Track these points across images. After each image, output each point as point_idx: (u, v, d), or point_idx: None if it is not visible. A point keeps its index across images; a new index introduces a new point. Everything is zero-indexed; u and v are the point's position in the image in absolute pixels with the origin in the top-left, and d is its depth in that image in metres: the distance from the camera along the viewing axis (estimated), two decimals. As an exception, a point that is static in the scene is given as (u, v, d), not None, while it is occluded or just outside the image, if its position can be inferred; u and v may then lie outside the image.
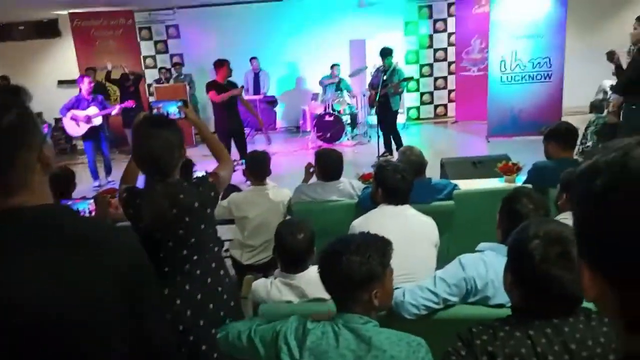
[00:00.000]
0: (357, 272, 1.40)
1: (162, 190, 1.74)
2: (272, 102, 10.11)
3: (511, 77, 7.90)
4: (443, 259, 2.32)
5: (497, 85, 7.96)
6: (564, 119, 7.02)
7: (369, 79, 9.79)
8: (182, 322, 1.77)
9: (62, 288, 0.92)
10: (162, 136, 1.74)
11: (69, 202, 2.90)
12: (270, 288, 2.08)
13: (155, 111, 2.29)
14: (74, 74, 9.30)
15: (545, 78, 7.84)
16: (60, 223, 0.98)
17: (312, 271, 2.09)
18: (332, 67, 9.02)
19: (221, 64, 6.19)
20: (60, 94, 9.97)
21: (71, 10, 9.33)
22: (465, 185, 3.44)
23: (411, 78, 7.59)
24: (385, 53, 7.10)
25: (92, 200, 2.88)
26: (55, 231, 0.96)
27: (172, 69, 10.02)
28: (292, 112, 10.49)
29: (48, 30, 10.51)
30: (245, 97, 9.48)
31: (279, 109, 10.41)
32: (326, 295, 2.03)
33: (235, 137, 6.27)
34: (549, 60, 7.77)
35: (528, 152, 4.86)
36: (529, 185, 3.02)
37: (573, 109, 8.55)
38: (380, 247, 1.47)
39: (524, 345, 1.14)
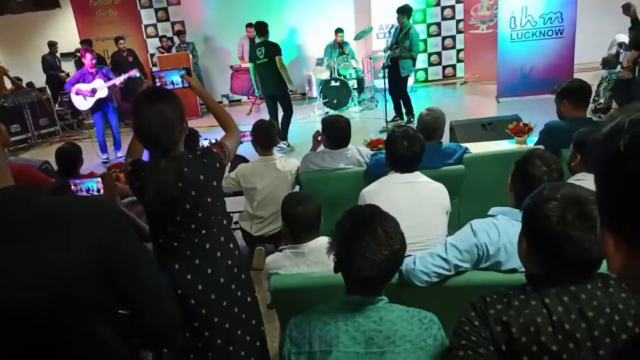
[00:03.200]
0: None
1: (166, 165, 1.69)
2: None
3: (521, 34, 7.70)
4: (454, 225, 2.30)
5: (507, 43, 7.76)
6: (575, 76, 6.85)
7: (374, 41, 9.59)
8: (194, 297, 1.77)
9: (26, 274, 0.90)
10: (159, 112, 1.64)
11: (77, 181, 2.87)
12: (281, 258, 2.07)
13: (157, 82, 2.22)
14: (75, 45, 9.18)
15: (556, 34, 7.63)
16: (18, 206, 0.93)
17: (321, 241, 2.08)
18: (336, 32, 8.71)
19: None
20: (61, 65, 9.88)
21: (69, -21, 9.16)
22: (476, 148, 3.38)
23: (414, 57, 6.85)
24: (402, 11, 6.63)
25: (99, 179, 2.84)
26: (13, 214, 0.92)
27: (175, 37, 9.85)
28: (297, 79, 10.28)
29: (47, 1, 10.33)
30: (242, 64, 9.36)
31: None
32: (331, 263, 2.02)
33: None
34: (561, 15, 7.53)
35: (539, 112, 4.77)
36: (542, 147, 2.95)
37: (584, 66, 8.33)
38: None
39: (540, 314, 1.11)
